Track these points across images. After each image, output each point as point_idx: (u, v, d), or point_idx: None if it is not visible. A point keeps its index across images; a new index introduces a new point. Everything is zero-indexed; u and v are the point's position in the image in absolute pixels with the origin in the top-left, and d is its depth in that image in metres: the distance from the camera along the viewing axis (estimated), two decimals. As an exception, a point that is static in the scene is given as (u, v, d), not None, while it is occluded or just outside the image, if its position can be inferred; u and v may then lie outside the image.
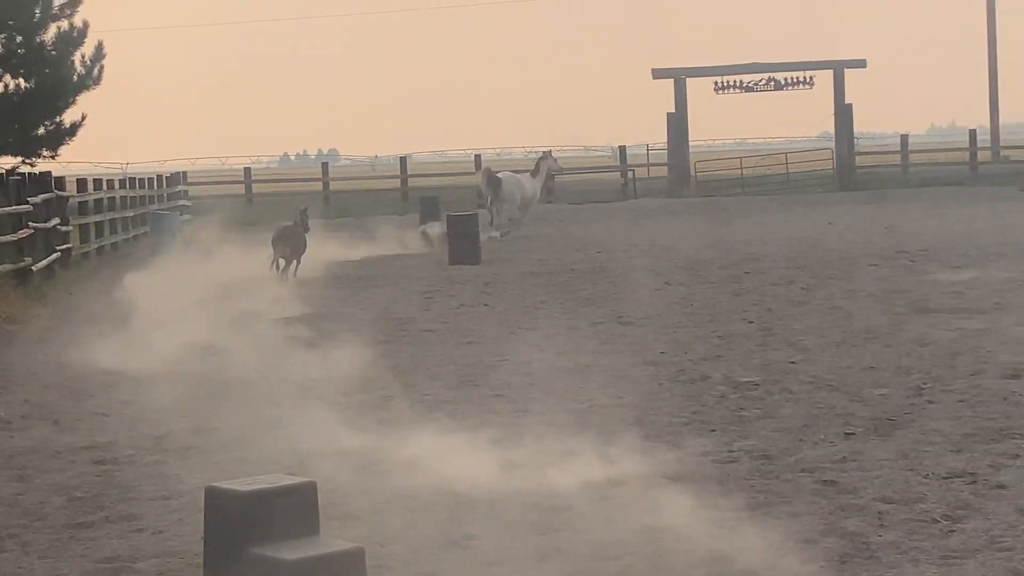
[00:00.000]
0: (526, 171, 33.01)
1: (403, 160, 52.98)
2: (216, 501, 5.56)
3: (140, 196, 35.70)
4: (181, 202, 41.27)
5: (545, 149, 35.14)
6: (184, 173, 49.28)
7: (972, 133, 52.11)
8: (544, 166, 32.56)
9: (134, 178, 38.87)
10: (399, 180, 50.19)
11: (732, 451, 8.76)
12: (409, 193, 46.51)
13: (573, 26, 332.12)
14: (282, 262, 21.46)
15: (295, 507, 5.50)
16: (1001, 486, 7.59)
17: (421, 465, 8.47)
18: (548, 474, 8.18)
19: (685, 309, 15.99)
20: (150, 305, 16.33)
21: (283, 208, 32.12)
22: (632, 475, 8.11)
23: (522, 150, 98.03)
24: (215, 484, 5.72)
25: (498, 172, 31.89)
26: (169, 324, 14.82)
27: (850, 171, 48.17)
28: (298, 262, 21.63)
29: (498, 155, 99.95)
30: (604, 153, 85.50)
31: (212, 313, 15.67)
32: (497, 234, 29.33)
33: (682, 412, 10.06)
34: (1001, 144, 54.41)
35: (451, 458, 8.60)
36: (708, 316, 15.30)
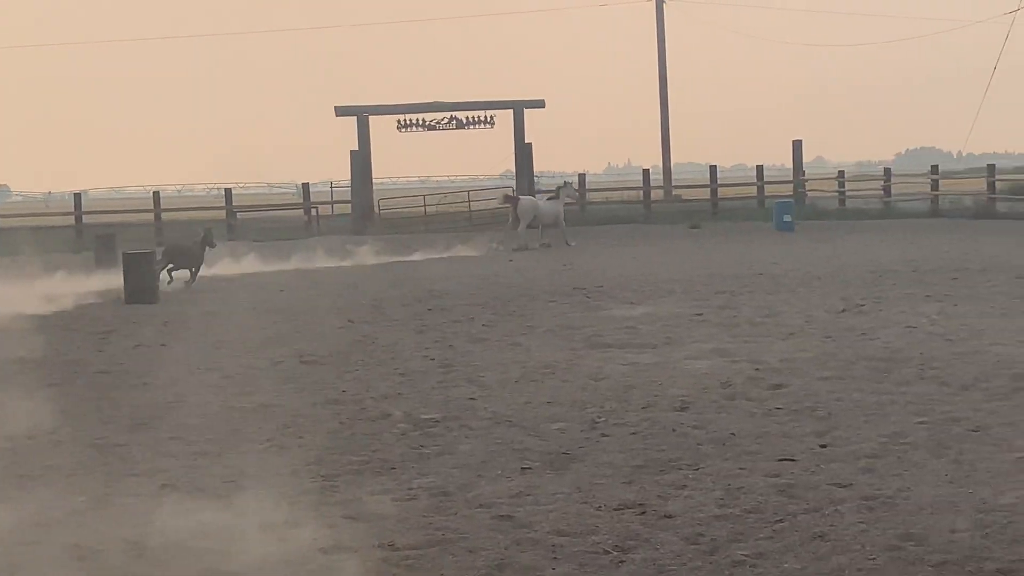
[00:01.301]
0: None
1: (78, 196, 51.32)
2: None
3: None
4: None
5: (568, 178, 44.34)
6: None
7: (646, 173, 54.03)
8: (563, 193, 38.46)
9: None
10: (74, 217, 48.67)
11: (411, 489, 8.78)
12: (84, 230, 45.19)
13: (255, 60, 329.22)
14: (171, 273, 25.85)
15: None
16: (669, 516, 7.84)
17: (90, 514, 8.18)
18: (224, 517, 8.02)
19: (368, 347, 15.98)
20: None
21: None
22: (311, 516, 8.02)
23: (203, 186, 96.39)
24: None
25: (518, 195, 38.99)
26: None
27: (530, 209, 49.17)
28: (196, 272, 26.11)
29: (179, 191, 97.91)
30: (288, 190, 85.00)
31: None
32: (507, 246, 35.75)
33: (362, 451, 10.03)
34: (673, 183, 56.49)
35: (121, 504, 8.34)
36: (390, 354, 15.32)
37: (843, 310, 18.03)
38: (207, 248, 26.63)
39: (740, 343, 15.07)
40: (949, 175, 53.79)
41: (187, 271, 26.10)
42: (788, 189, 51.60)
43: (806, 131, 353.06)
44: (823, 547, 7.12)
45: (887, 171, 53.78)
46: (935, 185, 49.81)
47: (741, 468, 8.98)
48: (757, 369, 13.08)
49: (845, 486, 8.37)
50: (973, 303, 18.33)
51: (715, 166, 54.07)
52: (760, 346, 14.75)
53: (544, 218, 37.02)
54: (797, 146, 52.49)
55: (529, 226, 36.30)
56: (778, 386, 12.12)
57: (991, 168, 49.32)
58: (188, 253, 26.25)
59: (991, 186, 47.69)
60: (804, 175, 54.01)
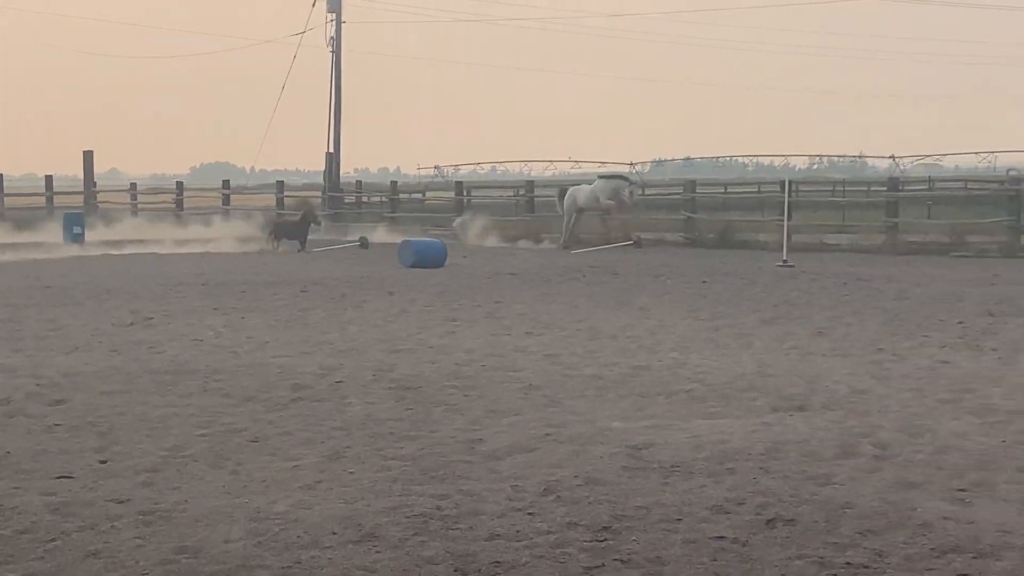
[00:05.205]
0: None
1: None
2: None
3: None
4: None
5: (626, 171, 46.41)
6: None
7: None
8: (609, 184, 39.40)
9: None
10: None
11: None
12: None
13: None
14: (281, 244, 34.98)
15: None
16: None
17: None
18: None
19: None
20: None
21: None
22: None
23: None
24: None
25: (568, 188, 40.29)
26: None
27: None
28: (303, 243, 34.82)
29: None
30: None
31: None
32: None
33: None
34: (5, 193, 53.84)
35: None
36: None
37: (131, 323, 17.94)
38: (310, 225, 35.51)
39: (23, 358, 14.59)
40: (240, 190, 54.93)
41: (295, 242, 34.73)
42: (80, 200, 50.76)
43: (101, 142, 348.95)
44: (97, 564, 7.00)
45: (180, 184, 54.29)
46: (227, 200, 50.85)
47: (15, 487, 8.65)
48: (39, 384, 12.70)
49: (123, 502, 8.28)
50: (259, 316, 18.82)
51: (2, 175, 52.33)
52: (43, 360, 14.35)
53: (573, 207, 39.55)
54: (88, 157, 51.84)
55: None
56: (59, 401, 11.83)
57: (280, 184, 51.04)
58: (293, 228, 35.51)
59: (280, 202, 49.34)
60: (96, 186, 53.37)
